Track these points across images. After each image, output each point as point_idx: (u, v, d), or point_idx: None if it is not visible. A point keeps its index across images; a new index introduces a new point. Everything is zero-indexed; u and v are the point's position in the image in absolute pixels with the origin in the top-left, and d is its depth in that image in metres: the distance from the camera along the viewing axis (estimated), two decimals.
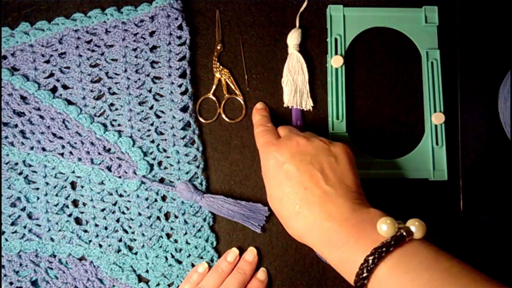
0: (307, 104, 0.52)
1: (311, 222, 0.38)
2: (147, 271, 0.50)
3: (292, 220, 0.40)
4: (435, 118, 0.51)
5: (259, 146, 0.45)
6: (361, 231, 0.35)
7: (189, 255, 0.50)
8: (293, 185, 0.40)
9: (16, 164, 0.51)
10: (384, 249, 0.33)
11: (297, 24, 0.53)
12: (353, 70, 0.53)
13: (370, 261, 0.33)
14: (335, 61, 0.51)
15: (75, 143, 0.50)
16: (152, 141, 0.51)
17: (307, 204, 0.39)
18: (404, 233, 0.34)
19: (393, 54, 0.54)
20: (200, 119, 0.52)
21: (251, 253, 0.50)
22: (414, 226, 0.34)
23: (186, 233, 0.50)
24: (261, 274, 0.50)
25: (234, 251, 0.49)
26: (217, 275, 0.48)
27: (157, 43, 0.51)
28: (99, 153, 0.50)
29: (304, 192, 0.39)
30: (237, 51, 0.53)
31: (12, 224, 0.50)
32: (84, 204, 0.51)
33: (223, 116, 0.52)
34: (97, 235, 0.50)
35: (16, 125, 0.51)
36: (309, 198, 0.39)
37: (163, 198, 0.51)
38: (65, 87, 0.51)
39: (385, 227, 0.34)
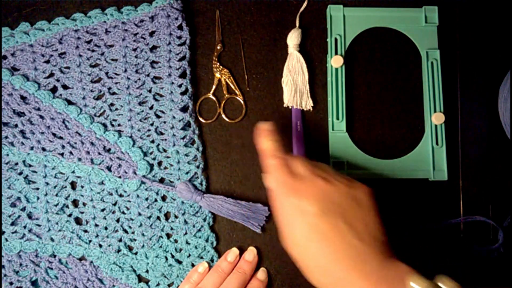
0: (307, 104, 0.52)
1: (339, 279, 0.36)
2: (147, 271, 0.50)
3: (316, 274, 0.37)
4: (435, 118, 0.51)
5: (275, 183, 0.40)
6: None
7: (189, 255, 0.50)
8: (319, 239, 0.37)
9: (16, 164, 0.51)
10: None
11: (297, 24, 0.53)
12: (353, 70, 0.53)
13: None
14: (335, 61, 0.51)
15: (75, 143, 0.50)
16: (152, 141, 0.51)
17: (335, 260, 0.36)
18: None
19: (393, 54, 0.54)
20: (200, 119, 0.52)
21: (251, 253, 0.50)
22: (445, 285, 0.34)
23: (186, 233, 0.50)
24: (261, 274, 0.50)
25: (234, 251, 0.49)
26: (217, 275, 0.48)
27: (157, 43, 0.51)
28: (99, 153, 0.50)
29: (330, 247, 0.36)
30: (237, 51, 0.53)
31: (12, 224, 0.50)
32: (84, 204, 0.51)
33: (223, 116, 0.52)
34: (97, 235, 0.50)
35: (16, 125, 0.51)
36: (336, 254, 0.36)
37: (163, 198, 0.51)
38: (65, 87, 0.51)
39: None
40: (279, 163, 0.41)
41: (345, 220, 0.37)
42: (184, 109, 0.51)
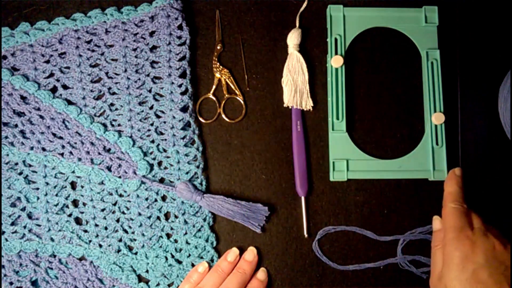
0: (307, 104, 0.52)
1: None
2: (147, 271, 0.50)
3: None
4: (435, 118, 0.51)
5: (449, 226, 0.44)
6: None
7: (189, 255, 0.50)
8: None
9: (16, 164, 0.51)
10: None
11: (297, 24, 0.53)
12: (353, 70, 0.53)
13: None
14: (335, 61, 0.51)
15: (75, 143, 0.50)
16: (152, 141, 0.51)
17: None
18: None
19: (393, 54, 0.54)
20: (200, 119, 0.52)
21: (251, 253, 0.50)
22: None
23: (186, 233, 0.50)
24: (261, 274, 0.50)
25: (234, 251, 0.49)
26: (217, 275, 0.48)
27: (157, 43, 0.51)
28: (99, 153, 0.50)
29: None
30: (237, 51, 0.53)
31: (12, 224, 0.50)
32: (84, 204, 0.51)
33: (223, 116, 0.52)
34: (97, 235, 0.50)
35: (16, 125, 0.51)
36: None
37: (163, 198, 0.51)
38: (65, 87, 0.51)
39: None
40: (460, 210, 0.44)
41: (509, 282, 0.39)
42: (184, 109, 0.51)
